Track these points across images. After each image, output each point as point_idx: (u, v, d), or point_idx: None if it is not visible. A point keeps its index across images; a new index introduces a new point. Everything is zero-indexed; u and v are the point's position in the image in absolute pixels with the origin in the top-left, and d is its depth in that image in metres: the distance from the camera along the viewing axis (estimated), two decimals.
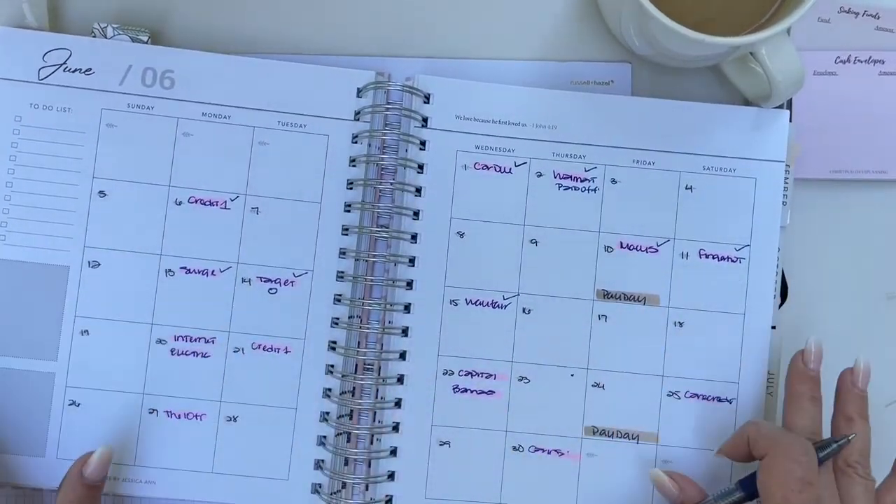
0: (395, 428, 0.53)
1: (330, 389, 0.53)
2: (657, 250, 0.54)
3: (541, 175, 0.54)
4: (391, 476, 0.53)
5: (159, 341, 0.53)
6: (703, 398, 0.53)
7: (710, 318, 0.53)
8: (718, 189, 0.54)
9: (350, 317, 0.54)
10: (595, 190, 0.54)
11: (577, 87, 0.56)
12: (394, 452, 0.53)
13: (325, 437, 0.53)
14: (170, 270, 0.53)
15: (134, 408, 0.53)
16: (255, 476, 0.53)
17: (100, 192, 0.53)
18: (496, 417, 0.53)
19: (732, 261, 0.54)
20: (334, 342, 0.53)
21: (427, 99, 0.54)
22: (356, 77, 0.54)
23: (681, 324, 0.53)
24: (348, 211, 0.54)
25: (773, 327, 0.54)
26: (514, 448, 0.53)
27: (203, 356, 0.53)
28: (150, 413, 0.53)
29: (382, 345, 0.53)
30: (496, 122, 0.54)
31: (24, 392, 0.52)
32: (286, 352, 0.53)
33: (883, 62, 0.55)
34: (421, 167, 0.54)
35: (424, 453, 0.53)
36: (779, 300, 0.54)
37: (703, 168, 0.54)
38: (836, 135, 0.55)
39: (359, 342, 0.54)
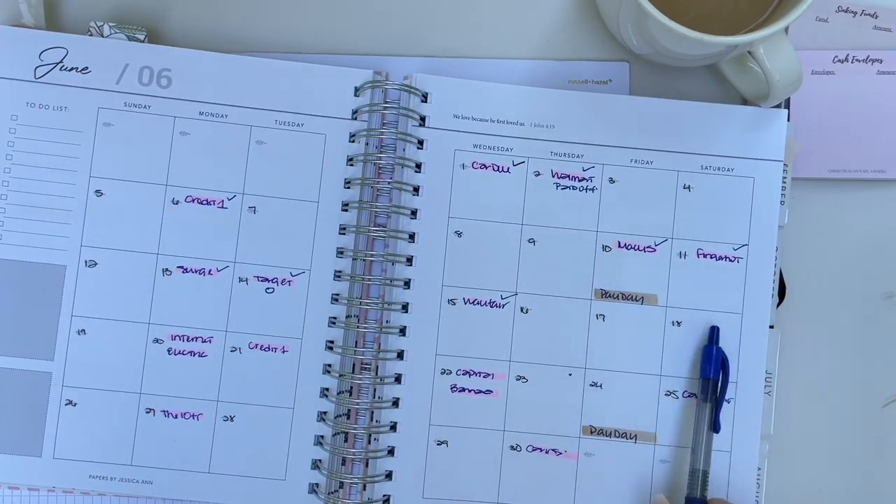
0: (393, 427, 0.53)
1: (327, 389, 0.53)
2: (655, 250, 0.54)
3: (539, 174, 0.54)
4: (389, 476, 0.53)
5: (156, 341, 0.53)
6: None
7: (709, 318, 0.53)
8: (717, 188, 0.54)
9: (348, 316, 0.53)
10: (593, 189, 0.54)
11: (575, 87, 0.56)
12: (391, 452, 0.53)
13: (322, 436, 0.53)
14: (167, 270, 0.53)
15: (131, 407, 0.53)
16: (253, 476, 0.53)
17: (97, 191, 0.53)
18: (494, 417, 0.53)
19: (730, 260, 0.54)
20: (332, 342, 0.53)
21: (425, 98, 0.54)
22: (354, 76, 0.54)
23: (679, 323, 0.53)
24: (346, 210, 0.54)
25: (772, 327, 0.53)
26: (512, 447, 0.53)
27: (200, 356, 0.53)
28: (147, 413, 0.53)
29: (380, 344, 0.53)
30: (494, 122, 0.54)
31: (20, 391, 0.52)
32: (283, 351, 0.53)
33: (881, 61, 0.55)
34: (419, 166, 0.54)
35: (422, 453, 0.53)
36: (777, 300, 0.54)
37: (701, 167, 0.54)
38: (834, 134, 0.55)
39: (356, 342, 0.54)
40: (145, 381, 0.53)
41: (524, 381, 0.53)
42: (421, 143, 0.54)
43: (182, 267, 0.53)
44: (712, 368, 0.52)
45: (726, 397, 0.53)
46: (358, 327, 0.53)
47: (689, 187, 0.54)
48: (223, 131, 0.54)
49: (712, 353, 0.52)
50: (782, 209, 0.54)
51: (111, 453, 0.52)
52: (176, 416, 0.53)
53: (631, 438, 0.53)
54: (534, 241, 0.54)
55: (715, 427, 0.52)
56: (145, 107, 0.53)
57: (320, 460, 0.53)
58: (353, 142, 0.54)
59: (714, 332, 0.53)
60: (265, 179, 0.54)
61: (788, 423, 0.55)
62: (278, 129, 0.54)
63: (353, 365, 0.53)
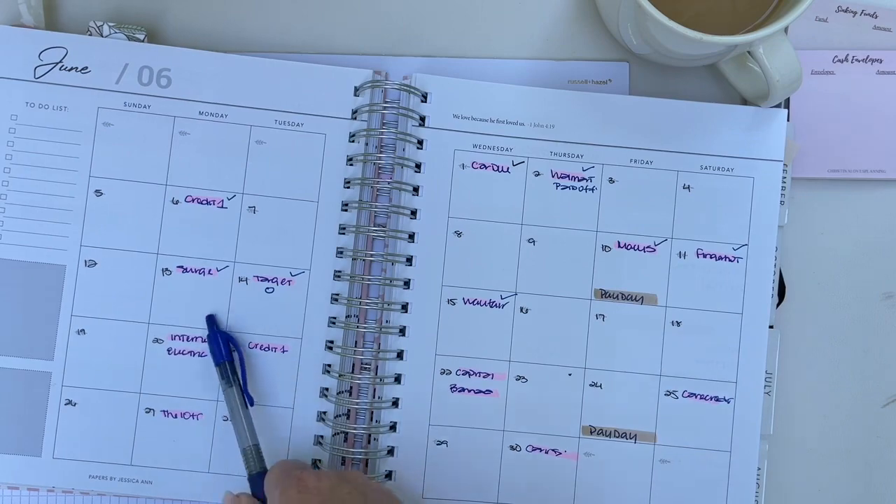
0: (393, 427, 0.53)
1: (327, 389, 0.53)
2: (655, 250, 0.54)
3: (538, 174, 0.54)
4: (389, 475, 0.53)
5: (156, 340, 0.53)
6: (701, 398, 0.53)
7: (708, 318, 0.53)
8: (716, 188, 0.54)
9: (347, 316, 0.53)
10: (593, 189, 0.54)
11: (575, 87, 0.56)
12: (391, 452, 0.53)
13: (322, 436, 0.53)
14: (166, 269, 0.53)
15: (130, 407, 0.53)
16: None
17: (96, 190, 0.53)
18: (494, 417, 0.53)
19: (730, 260, 0.54)
20: (331, 342, 0.53)
21: (424, 98, 0.54)
22: (353, 76, 0.54)
23: (679, 323, 0.53)
24: (345, 210, 0.54)
25: (771, 327, 0.53)
26: (512, 447, 0.53)
27: (200, 356, 0.53)
28: (147, 412, 0.53)
29: (380, 344, 0.53)
30: (494, 121, 0.54)
31: (20, 391, 0.52)
32: (283, 351, 0.53)
33: (881, 61, 0.55)
34: (418, 166, 0.54)
35: (422, 453, 0.53)
36: (776, 299, 0.54)
37: (700, 167, 0.54)
38: (833, 134, 0.55)
39: (356, 342, 0.54)
40: (145, 381, 0.53)
41: (524, 380, 0.53)
42: (421, 142, 0.54)
43: (182, 267, 0.53)
44: (223, 352, 0.52)
45: (725, 397, 0.53)
46: (358, 327, 0.53)
47: (688, 187, 0.54)
48: (223, 131, 0.54)
49: (216, 338, 0.52)
50: (782, 209, 0.54)
51: (111, 453, 0.52)
52: (175, 416, 0.53)
53: (631, 438, 0.53)
54: (533, 241, 0.54)
55: (249, 401, 0.52)
56: (145, 107, 0.53)
57: (320, 460, 0.53)
58: (353, 142, 0.54)
59: (210, 321, 0.52)
60: (265, 179, 0.54)
61: (788, 423, 0.55)
62: (278, 128, 0.54)
63: (353, 365, 0.53)
